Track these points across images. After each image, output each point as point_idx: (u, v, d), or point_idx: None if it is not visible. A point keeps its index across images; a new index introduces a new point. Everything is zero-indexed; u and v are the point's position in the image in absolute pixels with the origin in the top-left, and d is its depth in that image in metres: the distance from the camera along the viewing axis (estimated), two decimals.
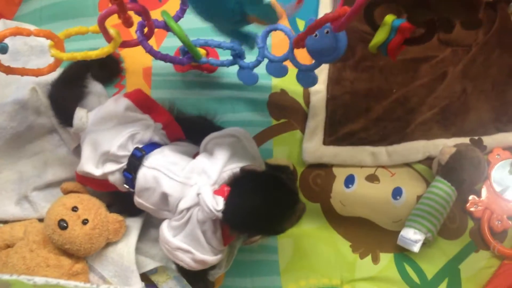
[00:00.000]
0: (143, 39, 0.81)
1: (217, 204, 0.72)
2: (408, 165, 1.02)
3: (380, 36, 0.66)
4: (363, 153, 1.01)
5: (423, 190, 0.99)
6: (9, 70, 0.79)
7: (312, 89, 1.04)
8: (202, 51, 0.92)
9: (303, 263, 0.98)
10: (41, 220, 0.92)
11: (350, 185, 1.01)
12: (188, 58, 0.89)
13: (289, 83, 1.04)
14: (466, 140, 1.00)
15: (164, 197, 0.79)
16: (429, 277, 0.97)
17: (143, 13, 0.75)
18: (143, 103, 0.88)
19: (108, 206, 0.90)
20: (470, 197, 0.98)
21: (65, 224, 0.82)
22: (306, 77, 0.86)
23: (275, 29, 0.86)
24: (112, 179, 0.83)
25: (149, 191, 0.80)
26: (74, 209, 0.84)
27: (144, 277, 0.89)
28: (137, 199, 0.83)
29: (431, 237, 0.94)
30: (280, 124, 1.04)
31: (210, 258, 0.79)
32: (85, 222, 0.83)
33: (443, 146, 0.98)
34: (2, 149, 0.95)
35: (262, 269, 0.98)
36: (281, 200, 0.74)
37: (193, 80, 1.05)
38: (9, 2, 1.09)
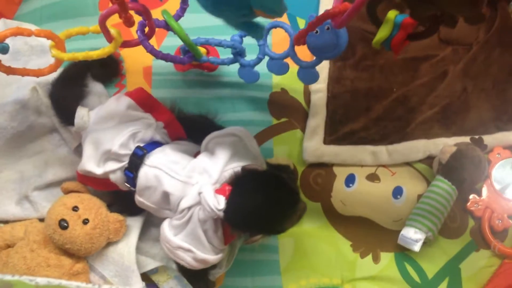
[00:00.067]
0: (144, 39, 0.81)
1: (219, 203, 0.72)
2: (408, 164, 1.02)
3: (383, 32, 0.66)
4: (364, 152, 1.01)
5: (423, 189, 0.99)
6: (10, 71, 0.79)
7: (313, 88, 1.04)
8: (202, 50, 0.92)
9: (303, 262, 0.98)
10: (41, 220, 0.92)
11: (350, 185, 1.01)
12: (189, 57, 0.90)
13: (290, 82, 1.04)
14: (466, 139, 1.00)
15: (165, 196, 0.79)
16: (429, 276, 0.97)
17: (144, 12, 0.75)
18: (144, 101, 0.88)
19: (109, 205, 0.90)
20: (471, 196, 0.98)
21: (65, 224, 0.82)
22: (307, 74, 0.86)
23: (276, 26, 0.86)
24: (114, 178, 0.83)
25: (150, 190, 0.80)
26: (75, 208, 0.84)
27: (145, 276, 0.89)
28: (138, 198, 0.83)
29: (431, 236, 0.94)
30: (281, 123, 1.04)
31: (211, 257, 0.79)
32: (85, 221, 0.83)
33: (444, 145, 0.98)
34: (2, 149, 0.95)
35: (262, 268, 0.98)
36: (282, 200, 0.74)
37: (193, 79, 1.05)
38: (9, 1, 1.09)
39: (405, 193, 1.00)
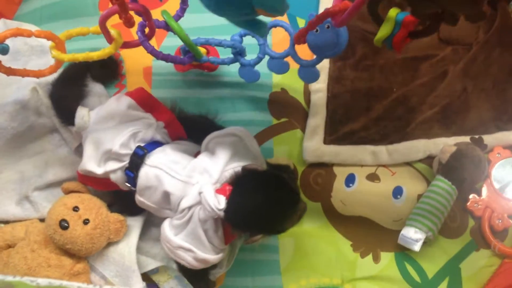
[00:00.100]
0: (145, 40, 0.81)
1: (219, 203, 0.72)
2: (408, 164, 1.02)
3: (384, 30, 0.66)
4: (364, 152, 1.01)
5: (423, 189, 0.99)
6: (10, 71, 0.79)
7: (313, 88, 1.04)
8: (202, 50, 0.92)
9: (304, 262, 0.98)
10: (42, 220, 0.92)
11: (350, 184, 1.01)
12: (189, 57, 0.90)
13: (290, 82, 1.04)
14: (466, 139, 1.00)
15: (166, 195, 0.79)
16: (430, 276, 0.97)
17: (144, 13, 0.75)
18: (145, 101, 0.88)
19: (109, 205, 0.90)
20: (471, 196, 0.98)
21: (66, 224, 0.82)
22: (308, 73, 0.86)
23: (276, 25, 0.86)
24: (114, 177, 0.83)
25: (150, 190, 0.80)
26: (75, 209, 0.84)
27: (145, 277, 0.89)
28: (139, 198, 0.83)
29: (431, 236, 0.94)
30: (281, 123, 1.04)
31: (212, 257, 0.79)
32: (86, 222, 0.83)
33: (444, 145, 0.98)
34: (3, 149, 0.95)
35: (263, 268, 0.98)
36: (283, 200, 0.74)
37: (193, 79, 1.05)
38: (9, 1, 1.09)
39: (405, 193, 1.00)
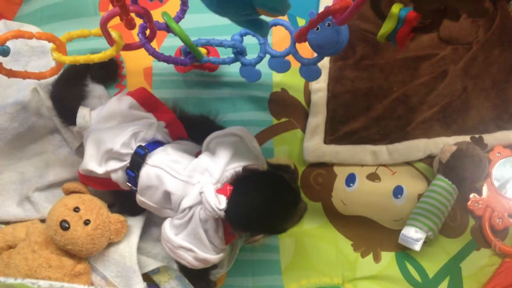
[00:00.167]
0: (146, 42, 0.81)
1: (220, 203, 0.73)
2: (409, 163, 1.02)
3: (387, 26, 0.66)
4: (364, 151, 1.01)
5: (424, 189, 0.99)
6: (11, 74, 0.79)
7: (313, 88, 1.04)
8: (203, 50, 0.92)
9: (304, 262, 0.98)
10: (43, 220, 0.92)
11: (351, 184, 1.01)
12: (190, 58, 0.90)
13: (290, 82, 1.05)
14: (467, 138, 1.00)
15: (167, 195, 0.79)
16: (430, 276, 0.97)
17: (145, 15, 0.75)
18: (146, 101, 0.88)
19: (110, 206, 0.90)
20: (471, 195, 0.98)
21: (67, 225, 0.82)
22: (309, 71, 0.86)
23: (276, 24, 0.86)
24: (115, 177, 0.83)
25: (151, 189, 0.80)
26: (76, 209, 0.84)
27: (146, 277, 0.89)
28: (140, 198, 0.83)
29: (432, 236, 0.94)
30: (281, 123, 1.04)
31: (212, 256, 0.79)
32: (87, 222, 0.83)
33: (444, 144, 0.98)
34: (3, 150, 0.95)
35: (263, 268, 0.98)
36: (283, 200, 0.75)
37: (194, 80, 1.05)
38: (10, 2, 1.09)
39: (406, 192, 1.00)
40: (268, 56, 0.90)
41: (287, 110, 1.04)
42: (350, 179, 1.01)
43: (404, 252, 0.98)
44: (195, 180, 0.78)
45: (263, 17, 0.65)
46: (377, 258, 0.98)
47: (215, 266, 0.89)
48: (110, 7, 0.70)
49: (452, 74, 1.04)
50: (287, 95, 1.05)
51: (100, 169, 0.83)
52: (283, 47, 0.87)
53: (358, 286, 0.97)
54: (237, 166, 0.78)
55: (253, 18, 0.65)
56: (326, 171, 1.02)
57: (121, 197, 0.90)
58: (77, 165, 0.88)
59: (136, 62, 1.05)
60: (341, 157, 1.01)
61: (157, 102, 0.89)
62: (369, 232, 0.99)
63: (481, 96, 1.03)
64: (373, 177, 1.01)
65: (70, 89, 0.94)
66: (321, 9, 1.07)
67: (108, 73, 1.03)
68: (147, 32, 0.81)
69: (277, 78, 1.04)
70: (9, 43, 0.76)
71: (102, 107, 0.89)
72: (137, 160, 0.81)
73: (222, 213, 0.73)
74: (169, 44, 1.05)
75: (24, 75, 0.80)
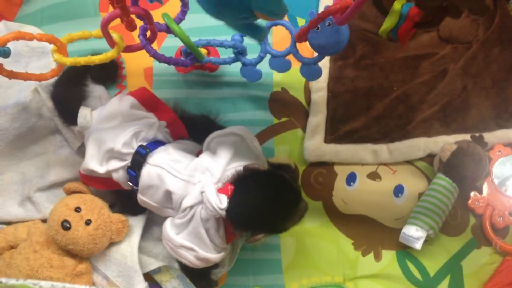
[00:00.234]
0: (147, 43, 0.81)
1: (221, 202, 0.73)
2: (409, 162, 1.02)
3: (389, 22, 0.67)
4: (365, 150, 1.01)
5: (424, 187, 0.99)
6: (12, 75, 0.79)
7: (313, 87, 1.05)
8: (203, 51, 0.92)
9: (305, 261, 0.98)
10: (44, 221, 0.92)
11: (351, 183, 1.01)
12: (191, 59, 0.90)
13: (290, 81, 1.05)
14: (467, 137, 1.00)
15: (168, 195, 0.79)
16: (431, 274, 0.97)
17: (146, 16, 0.75)
18: (147, 101, 0.88)
19: (111, 206, 0.90)
20: (472, 194, 0.98)
21: (68, 225, 0.82)
22: (310, 70, 0.86)
23: (276, 24, 0.86)
24: (116, 176, 0.84)
25: (152, 189, 0.81)
26: (77, 209, 0.84)
27: (148, 276, 0.89)
28: (141, 197, 0.83)
29: (433, 234, 0.94)
30: (281, 122, 1.04)
31: (213, 256, 0.79)
32: (88, 222, 0.83)
33: (444, 143, 0.99)
34: (4, 151, 0.95)
35: (264, 267, 0.98)
36: (284, 199, 0.75)
37: (194, 80, 1.05)
38: (10, 3, 1.09)
39: (406, 191, 1.00)
40: (268, 56, 0.90)
41: (288, 109, 1.04)
42: (351, 178, 1.01)
43: (405, 251, 0.98)
44: (196, 179, 0.78)
45: (259, 21, 0.65)
46: (378, 257, 0.98)
47: (216, 265, 0.89)
48: (110, 7, 0.70)
49: (452, 73, 1.04)
50: (287, 95, 1.05)
51: (101, 169, 0.83)
52: (283, 47, 0.87)
53: (359, 284, 0.97)
54: (238, 166, 0.78)
55: (249, 22, 0.65)
56: (326, 170, 1.02)
57: (122, 197, 0.90)
58: (78, 165, 0.88)
59: (136, 62, 1.06)
60: (341, 156, 1.01)
61: (158, 101, 0.90)
62: (370, 231, 1.00)
63: (481, 94, 1.03)
64: (373, 176, 1.02)
65: (70, 90, 0.94)
66: (321, 9, 1.07)
67: (108, 73, 1.03)
68: (148, 33, 0.81)
69: (278, 77, 1.04)
70: (10, 45, 0.76)
71: (103, 106, 0.89)
72: (138, 159, 0.81)
73: (223, 213, 0.73)
74: (169, 44, 1.05)
75: (25, 77, 0.80)
